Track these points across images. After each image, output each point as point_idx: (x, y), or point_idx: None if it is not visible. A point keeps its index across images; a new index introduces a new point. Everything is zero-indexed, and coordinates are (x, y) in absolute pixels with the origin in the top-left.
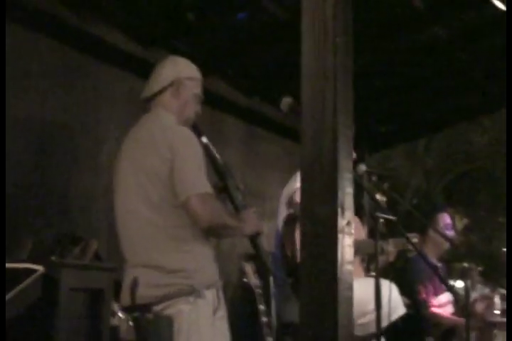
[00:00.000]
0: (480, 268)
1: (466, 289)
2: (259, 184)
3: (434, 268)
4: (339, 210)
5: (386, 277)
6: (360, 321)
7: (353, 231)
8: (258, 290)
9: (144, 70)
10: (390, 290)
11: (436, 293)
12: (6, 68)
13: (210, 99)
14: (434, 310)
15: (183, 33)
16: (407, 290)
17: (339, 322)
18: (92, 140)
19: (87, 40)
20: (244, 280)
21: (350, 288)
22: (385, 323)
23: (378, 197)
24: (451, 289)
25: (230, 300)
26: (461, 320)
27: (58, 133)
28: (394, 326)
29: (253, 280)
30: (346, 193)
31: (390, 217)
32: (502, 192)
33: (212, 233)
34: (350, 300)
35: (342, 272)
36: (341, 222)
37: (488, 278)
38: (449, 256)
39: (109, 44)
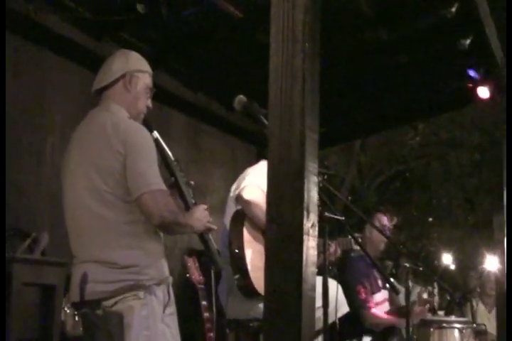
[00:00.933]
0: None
1: (407, 289)
2: (202, 178)
3: (376, 267)
4: (305, 213)
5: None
6: None
7: (316, 234)
8: (201, 286)
9: (95, 62)
10: (337, 289)
11: (373, 292)
12: None
13: (156, 94)
14: (374, 311)
15: (132, 26)
16: (346, 290)
17: (303, 323)
18: (37, 131)
19: (38, 31)
20: (187, 275)
21: (313, 289)
22: (331, 320)
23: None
24: (393, 288)
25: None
26: (399, 320)
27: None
28: (333, 324)
29: (196, 275)
30: (312, 196)
31: (338, 217)
32: (433, 192)
33: (164, 230)
34: (313, 300)
35: (306, 273)
36: (307, 225)
37: (417, 276)
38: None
39: (59, 35)
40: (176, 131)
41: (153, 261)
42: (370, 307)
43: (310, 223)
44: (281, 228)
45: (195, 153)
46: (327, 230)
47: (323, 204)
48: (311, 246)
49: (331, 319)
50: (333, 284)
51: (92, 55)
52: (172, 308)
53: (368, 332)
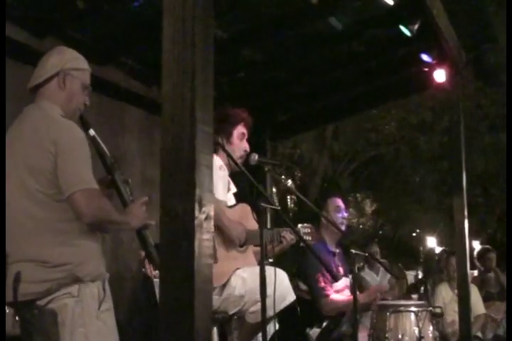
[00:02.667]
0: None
1: (353, 275)
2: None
3: (332, 254)
4: (196, 206)
5: (285, 265)
6: (251, 309)
7: (212, 226)
8: (156, 279)
9: (38, 60)
10: (281, 278)
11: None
12: None
13: (108, 88)
14: (331, 297)
15: (75, 22)
16: (306, 278)
17: (196, 314)
18: None
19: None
20: (143, 270)
21: (209, 280)
22: (276, 310)
23: (289, 184)
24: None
25: (130, 290)
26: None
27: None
28: (291, 311)
29: (150, 269)
30: (205, 189)
31: (274, 207)
32: (406, 177)
33: (96, 228)
34: (208, 292)
35: (199, 265)
36: (200, 217)
37: (392, 259)
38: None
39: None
40: (130, 125)
41: (87, 258)
42: (327, 295)
43: (204, 216)
44: (173, 221)
45: (151, 146)
46: (263, 220)
47: (260, 195)
48: (204, 238)
49: (277, 308)
50: (279, 273)
51: (35, 53)
52: (108, 304)
53: (328, 318)
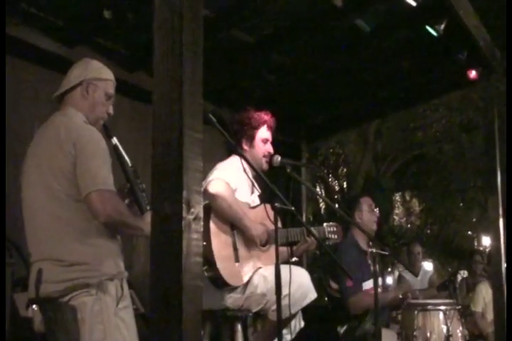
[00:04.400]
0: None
1: (375, 273)
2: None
3: (364, 253)
4: (184, 207)
5: (316, 264)
6: (274, 307)
7: (201, 226)
8: None
9: (69, 69)
10: (301, 277)
11: (364, 279)
12: None
13: (140, 94)
14: (360, 295)
15: (103, 31)
16: (335, 277)
17: (184, 311)
18: (15, 139)
19: (10, 42)
20: None
21: (197, 277)
22: (297, 308)
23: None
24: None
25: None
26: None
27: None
28: (322, 308)
29: None
30: (193, 191)
31: (288, 208)
32: (448, 176)
33: (112, 229)
34: (197, 289)
35: (188, 263)
36: (188, 218)
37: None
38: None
39: (32, 45)
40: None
41: (105, 258)
42: (355, 294)
43: (193, 216)
44: (163, 222)
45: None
46: (275, 220)
47: (274, 196)
48: (192, 237)
49: (298, 306)
50: (300, 271)
51: (66, 62)
52: (126, 302)
53: (355, 316)
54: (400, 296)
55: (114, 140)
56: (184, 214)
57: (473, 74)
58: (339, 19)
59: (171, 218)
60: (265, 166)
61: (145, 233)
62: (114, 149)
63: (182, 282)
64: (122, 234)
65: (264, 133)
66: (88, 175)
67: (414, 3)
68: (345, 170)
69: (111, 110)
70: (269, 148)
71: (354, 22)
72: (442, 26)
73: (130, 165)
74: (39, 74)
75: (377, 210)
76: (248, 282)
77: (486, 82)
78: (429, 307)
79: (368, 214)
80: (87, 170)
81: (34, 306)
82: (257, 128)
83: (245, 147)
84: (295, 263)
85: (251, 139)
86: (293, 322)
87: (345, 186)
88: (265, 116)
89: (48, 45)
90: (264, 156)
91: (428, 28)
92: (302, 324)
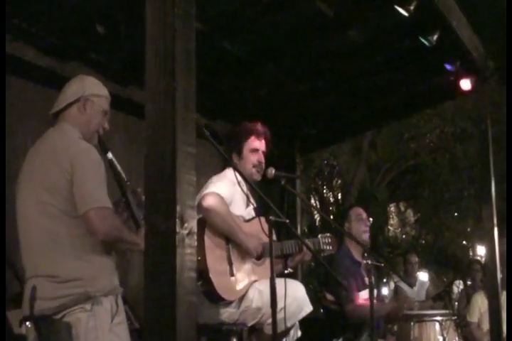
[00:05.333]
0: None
1: (370, 284)
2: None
3: (358, 264)
4: (178, 222)
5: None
6: (269, 321)
7: (195, 241)
8: None
9: (62, 84)
10: (296, 290)
11: (359, 289)
12: None
13: (133, 108)
14: (358, 303)
15: (96, 46)
16: (331, 287)
17: (178, 325)
18: (9, 154)
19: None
20: None
21: (191, 292)
22: (293, 321)
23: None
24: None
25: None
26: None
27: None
28: (317, 320)
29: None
30: (187, 206)
31: (283, 220)
32: (443, 186)
33: (108, 245)
34: (191, 304)
35: (182, 278)
36: (181, 233)
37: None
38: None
39: (24, 61)
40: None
41: (100, 273)
42: (353, 301)
43: (186, 231)
44: (156, 237)
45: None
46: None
47: (268, 208)
48: (186, 252)
49: (294, 319)
50: (295, 284)
51: (60, 78)
52: (121, 317)
53: (351, 328)
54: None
55: (110, 155)
56: (178, 229)
57: (466, 84)
58: (331, 31)
59: (164, 233)
60: (256, 176)
61: (141, 248)
62: (109, 163)
63: (176, 297)
64: (119, 249)
65: (252, 143)
66: (86, 193)
67: (406, 14)
68: (339, 181)
69: (106, 125)
70: (259, 157)
71: (346, 33)
72: (435, 37)
73: (126, 179)
74: (32, 89)
75: (369, 220)
76: (243, 296)
77: (479, 91)
78: (425, 318)
79: (355, 224)
80: (84, 188)
81: (28, 323)
82: (244, 139)
83: (235, 160)
84: (290, 275)
85: (239, 151)
86: (291, 332)
87: (339, 197)
88: (253, 126)
89: (41, 61)
90: (254, 166)
91: (421, 38)
92: (299, 333)
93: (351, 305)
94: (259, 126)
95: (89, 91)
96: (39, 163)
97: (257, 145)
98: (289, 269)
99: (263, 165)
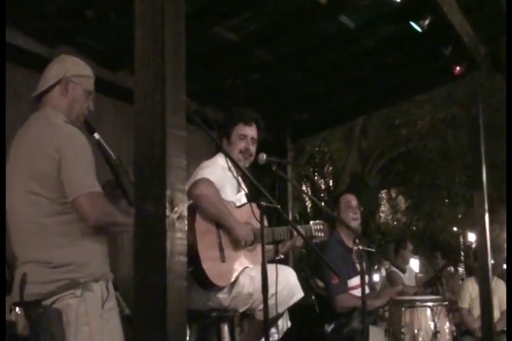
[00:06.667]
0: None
1: (361, 270)
2: None
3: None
4: (168, 206)
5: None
6: (260, 306)
7: (185, 225)
8: None
9: None
10: (288, 275)
11: (350, 276)
12: None
13: (122, 94)
14: (346, 294)
15: (85, 30)
16: (322, 274)
17: (168, 310)
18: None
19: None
20: None
21: (182, 277)
22: (284, 307)
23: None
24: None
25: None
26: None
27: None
28: (309, 307)
29: None
30: (177, 189)
31: (274, 205)
32: (434, 173)
33: (101, 230)
34: (181, 289)
35: (172, 263)
36: (171, 217)
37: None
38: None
39: (12, 45)
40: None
41: (91, 259)
42: (341, 292)
43: (176, 215)
44: (146, 221)
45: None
46: (261, 219)
47: (260, 194)
48: (176, 236)
49: (285, 305)
50: (287, 270)
51: (48, 62)
52: (112, 303)
53: (341, 315)
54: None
55: (97, 135)
56: (168, 213)
57: (458, 69)
58: (323, 16)
59: (154, 217)
60: (243, 163)
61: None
62: (97, 144)
63: (166, 281)
64: (113, 233)
65: (241, 129)
66: (74, 179)
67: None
68: (331, 168)
69: (92, 106)
70: (246, 144)
71: (338, 19)
72: (426, 22)
73: (115, 158)
74: (20, 74)
75: (359, 208)
76: (235, 282)
77: (470, 77)
78: (417, 303)
79: (344, 212)
80: (72, 174)
81: (17, 309)
82: (233, 125)
83: (225, 145)
84: (281, 262)
85: (228, 136)
86: (280, 322)
87: (331, 184)
88: (243, 113)
89: (29, 45)
90: (241, 152)
91: (412, 23)
92: (289, 324)
93: (341, 295)
94: (249, 113)
95: (70, 72)
96: (25, 152)
97: (245, 131)
98: (280, 255)
99: (251, 151)
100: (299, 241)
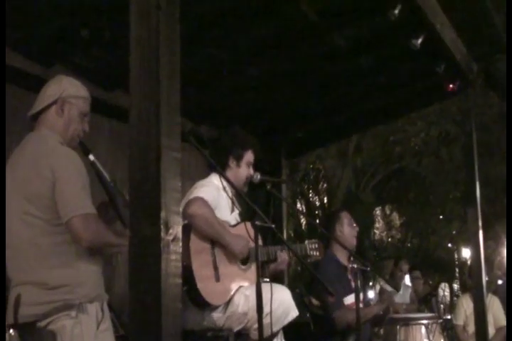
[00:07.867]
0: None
1: (356, 289)
2: None
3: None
4: (162, 228)
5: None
6: (255, 326)
7: (180, 247)
8: None
9: None
10: (283, 295)
11: (345, 294)
12: None
13: (118, 113)
14: (345, 309)
15: (80, 50)
16: (317, 293)
17: (163, 332)
18: None
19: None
20: None
21: (177, 299)
22: (279, 326)
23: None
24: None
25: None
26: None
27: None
28: (304, 325)
29: None
30: (172, 211)
31: (268, 225)
32: (428, 189)
33: (95, 251)
34: (176, 310)
35: (167, 285)
36: (166, 239)
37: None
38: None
39: (8, 65)
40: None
41: (86, 279)
42: (340, 308)
43: (171, 237)
44: (141, 243)
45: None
46: (256, 238)
47: (254, 213)
48: (172, 259)
49: (280, 324)
50: (281, 289)
51: (44, 82)
52: (106, 324)
53: (338, 333)
54: (381, 312)
55: (92, 157)
56: (162, 235)
57: (451, 87)
58: (316, 34)
59: (149, 239)
60: (245, 189)
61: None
62: (91, 165)
63: (161, 303)
64: (106, 254)
65: (250, 156)
66: (68, 201)
67: (392, 17)
68: (325, 185)
69: (87, 127)
70: (251, 172)
71: (331, 37)
72: (419, 41)
73: (109, 180)
74: (15, 94)
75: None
76: (229, 301)
77: (463, 95)
78: (411, 321)
79: (348, 228)
80: (66, 195)
81: (11, 331)
82: (245, 149)
83: (231, 164)
84: (276, 280)
85: (239, 158)
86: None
87: (325, 201)
88: (253, 140)
89: (24, 65)
90: (247, 178)
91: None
92: None
93: (339, 312)
94: (256, 141)
95: (66, 92)
96: (21, 173)
97: (252, 159)
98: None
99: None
100: (283, 265)
